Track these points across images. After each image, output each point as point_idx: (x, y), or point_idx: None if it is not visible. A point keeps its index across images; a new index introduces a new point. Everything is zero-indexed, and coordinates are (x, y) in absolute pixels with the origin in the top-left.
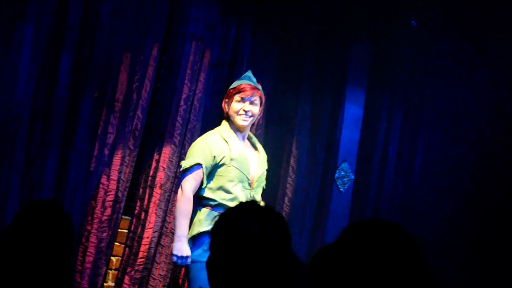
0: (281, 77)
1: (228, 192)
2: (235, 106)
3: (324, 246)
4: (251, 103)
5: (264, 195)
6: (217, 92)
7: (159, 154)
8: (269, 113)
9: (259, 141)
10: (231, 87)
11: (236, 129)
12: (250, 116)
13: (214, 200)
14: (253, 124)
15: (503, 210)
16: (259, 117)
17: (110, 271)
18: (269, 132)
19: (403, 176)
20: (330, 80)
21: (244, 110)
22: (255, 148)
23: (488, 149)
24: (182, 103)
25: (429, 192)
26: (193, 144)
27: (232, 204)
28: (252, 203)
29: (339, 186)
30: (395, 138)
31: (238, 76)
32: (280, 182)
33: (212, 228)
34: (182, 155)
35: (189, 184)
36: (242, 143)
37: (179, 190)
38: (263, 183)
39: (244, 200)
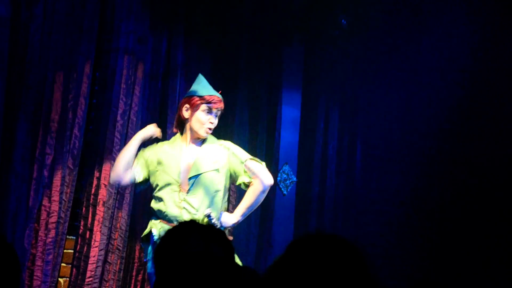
0: (217, 84)
1: (157, 198)
2: (202, 116)
3: (272, 263)
4: (215, 115)
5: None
6: (153, 103)
7: (100, 171)
8: None
9: None
10: (197, 94)
11: (192, 137)
12: (212, 128)
13: (152, 208)
14: None
15: (447, 205)
16: None
17: None
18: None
19: (344, 174)
20: (266, 84)
21: (210, 123)
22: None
23: (431, 143)
24: (119, 118)
25: (372, 189)
26: None
27: (162, 208)
28: (191, 223)
29: (282, 189)
30: (334, 137)
31: (173, 87)
32: None
33: (155, 253)
34: None
35: None
36: (195, 148)
37: None
38: (207, 186)
39: (171, 204)
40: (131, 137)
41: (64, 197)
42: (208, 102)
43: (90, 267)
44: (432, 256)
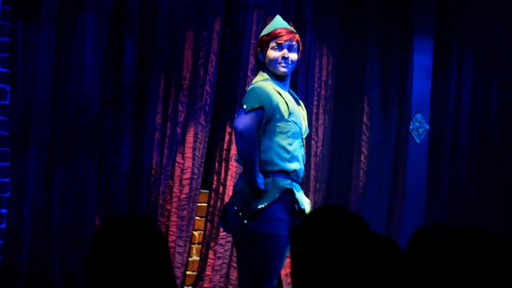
0: (346, 35)
1: (287, 151)
2: (272, 54)
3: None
4: (290, 49)
5: (338, 154)
6: None
7: (231, 127)
8: (337, 73)
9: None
10: (263, 33)
11: (277, 78)
12: (290, 63)
13: (274, 164)
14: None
15: None
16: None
17: (193, 246)
18: (339, 91)
19: (479, 122)
20: (396, 31)
21: (283, 58)
22: (297, 101)
23: None
24: (249, 73)
25: (508, 137)
26: (251, 91)
27: (291, 165)
28: (329, 209)
29: (415, 137)
30: (467, 84)
31: (303, 41)
32: (354, 141)
33: (292, 239)
34: None
35: (244, 123)
36: (287, 94)
37: (236, 133)
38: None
39: (301, 160)
40: None
41: (197, 153)
42: (274, 37)
43: None
44: None
